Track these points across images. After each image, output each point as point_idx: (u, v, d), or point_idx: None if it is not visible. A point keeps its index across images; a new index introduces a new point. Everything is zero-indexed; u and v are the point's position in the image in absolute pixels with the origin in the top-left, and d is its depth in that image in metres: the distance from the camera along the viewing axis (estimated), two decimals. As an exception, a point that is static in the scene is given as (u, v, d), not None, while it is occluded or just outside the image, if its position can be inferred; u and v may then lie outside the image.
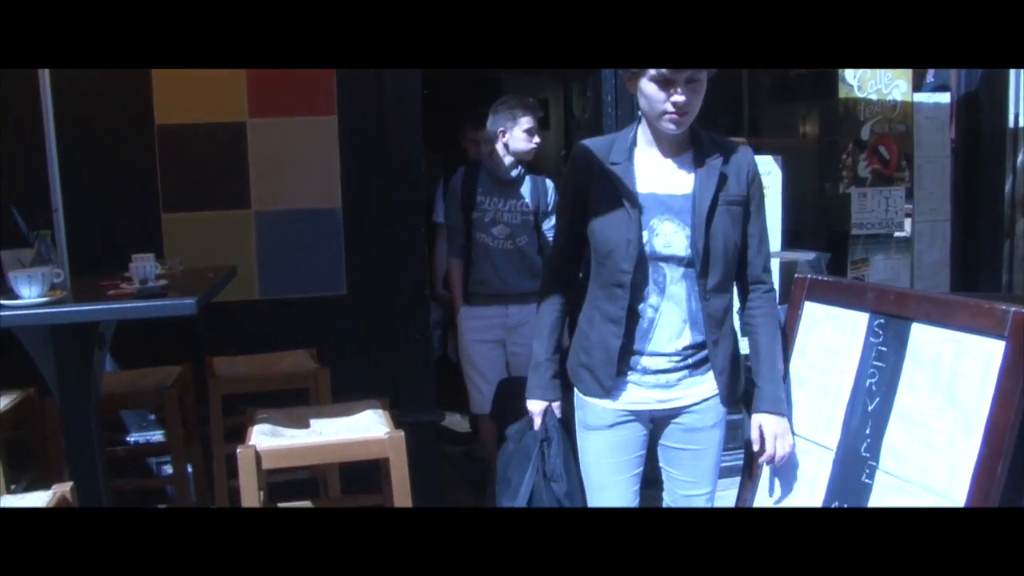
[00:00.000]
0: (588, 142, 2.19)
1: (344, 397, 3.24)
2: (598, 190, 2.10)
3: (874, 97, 4.48)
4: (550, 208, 3.90)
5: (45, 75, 2.91)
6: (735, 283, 2.21)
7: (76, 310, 2.44)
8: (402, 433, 2.68)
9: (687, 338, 2.12)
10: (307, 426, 2.85)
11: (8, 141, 3.46)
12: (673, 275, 2.09)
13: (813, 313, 2.35)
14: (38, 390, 3.13)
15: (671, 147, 2.12)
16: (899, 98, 4.54)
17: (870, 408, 2.08)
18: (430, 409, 3.99)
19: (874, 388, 2.09)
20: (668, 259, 2.07)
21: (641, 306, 2.10)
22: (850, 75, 4.45)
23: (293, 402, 3.23)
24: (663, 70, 1.95)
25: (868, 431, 2.08)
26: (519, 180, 3.83)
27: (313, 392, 3.36)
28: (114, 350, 3.34)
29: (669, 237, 2.07)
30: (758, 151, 4.47)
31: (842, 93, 4.46)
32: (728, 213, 2.08)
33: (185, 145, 3.78)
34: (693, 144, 2.12)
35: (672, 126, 2.02)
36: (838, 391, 2.19)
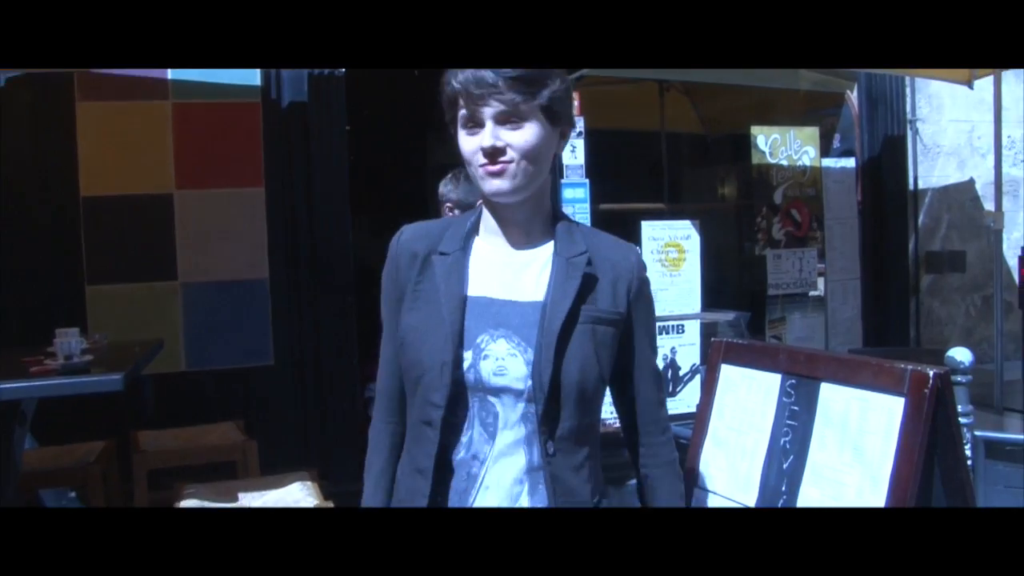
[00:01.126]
0: (415, 226, 1.59)
1: (273, 468, 3.22)
2: (415, 290, 1.49)
3: (785, 163, 4.69)
4: None
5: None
6: (622, 426, 1.67)
7: (-2, 388, 2.41)
8: (331, 504, 2.68)
9: (524, 505, 1.46)
10: (235, 500, 2.83)
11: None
12: (508, 415, 1.45)
13: (729, 375, 2.44)
14: (-46, 471, 3.04)
15: (522, 234, 1.50)
16: (808, 163, 4.76)
17: (785, 466, 2.17)
18: (359, 478, 3.97)
19: (788, 446, 2.17)
20: (500, 391, 1.44)
21: (461, 456, 1.46)
22: (762, 141, 4.65)
23: (221, 475, 3.20)
24: (463, 111, 1.43)
25: (784, 488, 2.16)
26: None
27: (241, 465, 3.33)
28: (33, 426, 3.27)
29: (502, 361, 1.44)
30: (678, 215, 4.68)
31: (755, 159, 4.66)
32: (592, 335, 1.46)
33: (111, 217, 3.76)
34: (556, 232, 1.51)
35: (491, 183, 1.41)
36: (755, 450, 2.27)
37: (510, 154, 1.41)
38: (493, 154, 1.40)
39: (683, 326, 4.36)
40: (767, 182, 4.68)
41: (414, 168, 7.60)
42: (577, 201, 4.14)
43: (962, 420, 2.50)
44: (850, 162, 4.93)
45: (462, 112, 1.45)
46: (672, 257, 4.32)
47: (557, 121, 1.46)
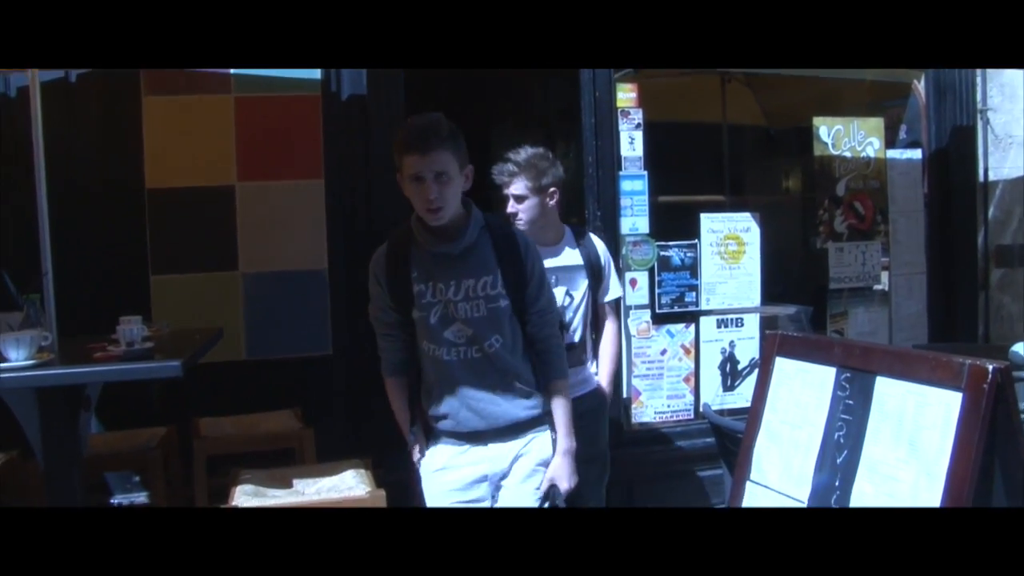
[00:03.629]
0: None
1: (330, 456, 3.28)
2: None
3: (848, 154, 4.59)
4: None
5: (39, 139, 2.99)
6: None
7: (62, 372, 2.50)
8: (383, 492, 2.72)
9: None
10: (290, 486, 2.88)
11: (1, 208, 3.54)
12: None
13: (784, 368, 2.41)
14: (21, 453, 3.15)
15: None
16: (872, 155, 4.65)
17: (839, 460, 2.13)
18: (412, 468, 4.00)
19: (842, 441, 2.13)
20: None
21: None
22: (824, 133, 4.56)
23: (279, 462, 3.26)
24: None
25: (838, 483, 2.12)
26: (469, 252, 2.38)
27: (298, 452, 3.39)
28: (100, 410, 3.37)
29: None
30: (738, 208, 4.61)
31: (817, 151, 4.57)
32: None
33: (175, 208, 3.84)
34: None
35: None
36: (808, 444, 2.24)
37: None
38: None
39: (742, 319, 4.31)
40: (829, 174, 4.59)
41: (476, 160, 7.62)
42: (635, 193, 4.11)
43: (1027, 417, 2.43)
44: (916, 153, 4.80)
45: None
46: (731, 250, 4.27)
47: None
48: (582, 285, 3.13)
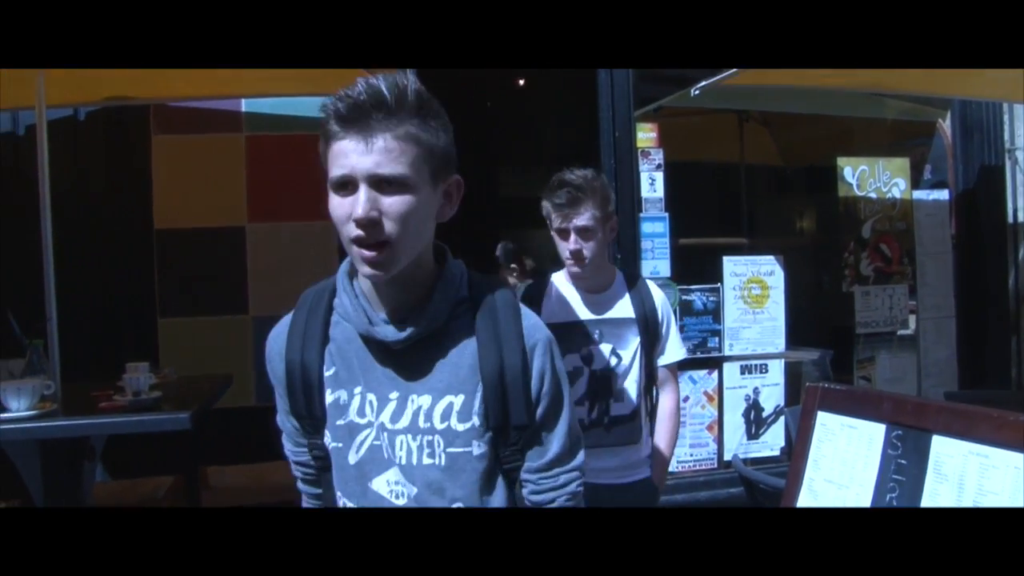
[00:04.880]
0: None
1: (342, 508, 3.13)
2: None
3: (873, 195, 4.49)
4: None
5: (45, 178, 2.89)
6: None
7: (65, 424, 2.39)
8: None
9: None
10: (302, 541, 2.74)
11: (5, 248, 3.44)
12: None
13: (827, 423, 2.27)
14: (22, 503, 3.03)
15: None
16: (898, 195, 4.55)
17: (892, 525, 1.99)
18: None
19: (895, 503, 2.00)
20: None
21: None
22: (848, 173, 4.46)
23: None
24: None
25: (891, 549, 1.98)
26: (427, 345, 1.33)
27: (310, 504, 3.25)
28: (105, 458, 3.25)
29: None
30: (759, 250, 4.50)
31: (841, 191, 4.47)
32: None
33: (183, 250, 3.76)
34: None
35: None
36: (857, 505, 2.10)
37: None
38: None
39: (766, 365, 4.17)
40: (855, 215, 4.48)
41: (484, 198, 7.56)
42: (656, 236, 4.00)
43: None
44: (943, 194, 4.70)
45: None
46: (755, 294, 4.15)
47: None
48: (632, 343, 2.49)
